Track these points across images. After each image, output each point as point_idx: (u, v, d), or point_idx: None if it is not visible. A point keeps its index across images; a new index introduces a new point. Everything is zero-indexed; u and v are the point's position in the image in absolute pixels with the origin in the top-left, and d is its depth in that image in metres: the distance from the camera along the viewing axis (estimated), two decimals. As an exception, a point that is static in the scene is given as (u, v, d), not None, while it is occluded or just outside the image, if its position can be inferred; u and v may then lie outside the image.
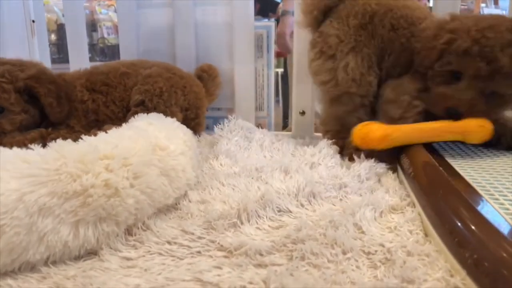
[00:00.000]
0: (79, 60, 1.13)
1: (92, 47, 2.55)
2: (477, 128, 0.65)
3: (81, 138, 0.53)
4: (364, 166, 0.68)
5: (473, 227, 0.40)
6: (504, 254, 0.35)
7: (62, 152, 0.47)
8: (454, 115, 0.66)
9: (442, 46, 0.67)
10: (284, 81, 2.11)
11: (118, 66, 0.92)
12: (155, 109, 0.86)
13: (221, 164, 0.74)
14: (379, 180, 0.66)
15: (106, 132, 0.58)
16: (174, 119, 0.79)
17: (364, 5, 0.79)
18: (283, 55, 1.94)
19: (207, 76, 1.01)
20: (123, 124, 0.66)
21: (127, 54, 1.11)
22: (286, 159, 0.75)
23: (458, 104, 0.65)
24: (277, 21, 1.59)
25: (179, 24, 1.08)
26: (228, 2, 1.05)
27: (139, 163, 0.52)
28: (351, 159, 0.73)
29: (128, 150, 0.52)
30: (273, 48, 1.09)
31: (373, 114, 0.79)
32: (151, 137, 0.59)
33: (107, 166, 0.49)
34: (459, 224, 0.42)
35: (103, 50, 2.51)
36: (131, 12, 1.11)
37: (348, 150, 0.75)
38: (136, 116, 0.78)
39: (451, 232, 0.42)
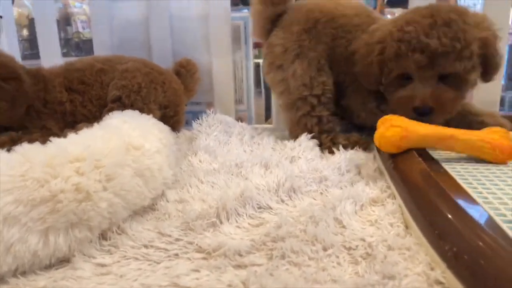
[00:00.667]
0: (51, 56, 1.09)
1: (67, 41, 2.48)
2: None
3: (50, 140, 0.51)
4: (344, 158, 0.67)
5: (452, 220, 0.39)
6: (484, 246, 0.34)
7: (28, 156, 0.45)
8: (424, 113, 0.64)
9: (378, 58, 0.68)
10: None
11: (93, 63, 0.89)
12: (132, 106, 0.83)
13: (200, 161, 0.72)
14: (359, 172, 0.65)
15: (77, 133, 0.56)
16: (151, 116, 0.77)
17: (307, 12, 0.80)
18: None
19: (185, 72, 0.98)
20: (96, 123, 0.64)
21: (101, 48, 1.08)
22: (267, 153, 0.74)
23: (422, 101, 0.64)
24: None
25: (153, 17, 1.05)
26: (204, -7, 1.02)
27: (112, 164, 0.50)
28: (331, 152, 0.73)
29: (100, 151, 0.50)
30: (251, 39, 1.07)
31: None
32: (124, 136, 0.57)
33: (77, 169, 0.46)
34: (438, 216, 0.41)
35: (78, 45, 2.44)
36: (104, 4, 1.07)
37: (325, 145, 0.75)
38: (111, 113, 0.76)
39: (431, 224, 0.42)
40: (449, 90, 0.65)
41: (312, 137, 0.77)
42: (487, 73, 0.67)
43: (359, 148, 0.73)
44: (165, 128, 0.74)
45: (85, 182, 0.46)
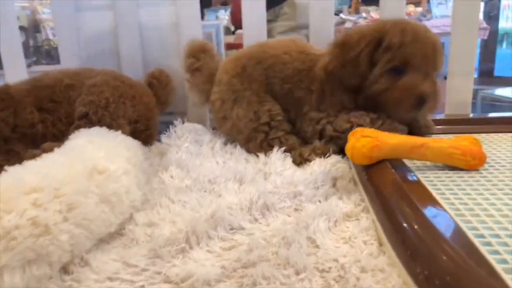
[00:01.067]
0: (15, 65, 1.04)
1: (37, 49, 2.40)
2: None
3: (4, 169, 0.48)
4: (320, 170, 0.66)
5: (424, 239, 0.39)
6: (456, 271, 0.34)
7: (-21, 190, 0.42)
8: (423, 102, 0.67)
9: (369, 49, 0.69)
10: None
11: (61, 78, 0.85)
12: (99, 122, 0.79)
13: (171, 177, 0.70)
14: (334, 184, 0.64)
15: (37, 159, 0.53)
16: (119, 132, 0.74)
17: (234, 60, 0.84)
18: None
19: (157, 83, 0.95)
20: (56, 149, 0.60)
21: (68, 60, 1.04)
22: (240, 167, 0.72)
23: (426, 89, 0.67)
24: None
25: (122, 27, 1.02)
26: (173, 2, 1.00)
27: (74, 193, 0.47)
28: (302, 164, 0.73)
29: (60, 178, 0.48)
30: (223, 46, 1.06)
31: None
32: (87, 160, 0.54)
33: (34, 200, 0.44)
34: (410, 234, 0.41)
35: (49, 52, 2.37)
36: (69, 14, 1.04)
37: (296, 162, 0.74)
38: (77, 131, 0.73)
39: (404, 243, 0.41)
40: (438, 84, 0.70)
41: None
42: None
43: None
44: (135, 145, 0.72)
45: (43, 215, 0.43)
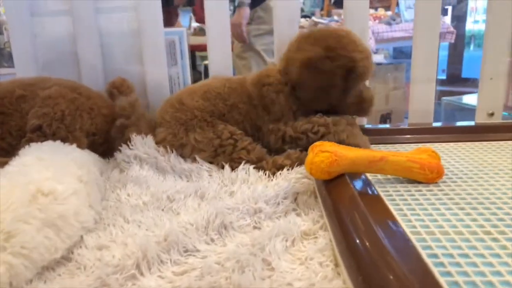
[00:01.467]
0: None
1: (-2, 52, 2.31)
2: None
3: None
4: (284, 185, 0.65)
5: (378, 265, 0.38)
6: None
7: None
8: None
9: (343, 79, 0.76)
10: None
11: (13, 89, 0.81)
12: (54, 135, 0.76)
13: (128, 194, 0.67)
14: (295, 199, 0.63)
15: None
16: (74, 146, 0.71)
17: (166, 103, 0.86)
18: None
19: (119, 94, 0.91)
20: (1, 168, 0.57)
21: (24, 66, 0.99)
22: (204, 182, 0.70)
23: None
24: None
25: (80, 33, 0.98)
26: (134, 8, 0.97)
27: (13, 220, 0.44)
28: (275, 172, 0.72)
29: (-2, 204, 0.45)
30: (188, 53, 1.03)
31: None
32: (32, 182, 0.51)
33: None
34: (363, 259, 0.40)
35: (11, 55, 2.27)
36: (23, 19, 0.99)
37: (270, 171, 0.73)
38: (28, 146, 0.69)
39: (357, 268, 0.40)
40: None
41: (256, 167, 0.74)
42: None
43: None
44: (90, 160, 0.69)
45: (-25, 246, 0.40)
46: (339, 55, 0.74)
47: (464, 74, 3.43)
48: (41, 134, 0.75)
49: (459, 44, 3.39)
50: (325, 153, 0.56)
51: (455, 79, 3.33)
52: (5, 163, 0.61)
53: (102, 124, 0.83)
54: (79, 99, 0.82)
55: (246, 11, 1.65)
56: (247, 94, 0.81)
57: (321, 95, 0.77)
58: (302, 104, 0.78)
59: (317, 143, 0.58)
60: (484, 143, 0.76)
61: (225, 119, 0.80)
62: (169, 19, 1.88)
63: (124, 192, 0.68)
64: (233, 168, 0.74)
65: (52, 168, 0.56)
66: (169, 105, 0.85)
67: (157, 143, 0.80)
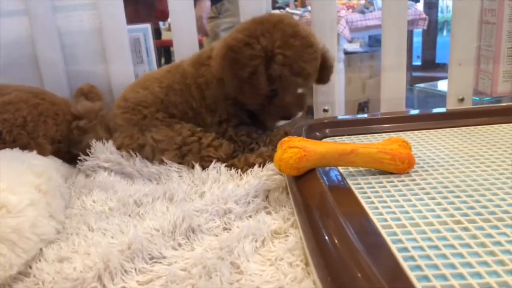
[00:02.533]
0: None
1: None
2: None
3: None
4: (253, 183, 0.63)
5: (344, 265, 0.36)
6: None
7: None
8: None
9: (264, 77, 0.69)
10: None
11: None
12: (14, 142, 0.72)
13: (94, 201, 0.64)
14: (267, 196, 0.61)
15: None
16: (33, 154, 0.67)
17: (115, 106, 0.83)
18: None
19: (86, 100, 0.88)
20: None
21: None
22: (173, 183, 0.68)
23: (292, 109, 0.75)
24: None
25: (38, 33, 0.93)
26: (94, 6, 0.93)
27: (-41, 237, 0.41)
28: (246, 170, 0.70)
29: None
30: (154, 50, 1.00)
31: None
32: (-19, 195, 0.48)
33: None
34: (332, 259, 0.38)
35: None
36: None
37: (242, 169, 0.71)
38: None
39: (326, 267, 0.39)
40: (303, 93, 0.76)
41: (227, 166, 0.72)
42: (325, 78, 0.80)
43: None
44: (50, 167, 0.65)
45: None
46: (258, 42, 0.67)
47: (438, 59, 3.48)
48: (0, 141, 0.72)
49: (432, 30, 3.43)
50: (294, 149, 0.54)
51: (430, 64, 3.37)
52: None
53: (67, 131, 0.80)
54: (43, 105, 0.78)
55: (207, 4, 1.62)
56: (181, 73, 0.78)
57: (244, 88, 0.69)
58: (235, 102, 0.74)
59: (285, 138, 0.56)
60: (455, 129, 0.76)
61: (165, 106, 0.77)
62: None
63: (89, 198, 0.65)
64: (203, 168, 0.72)
65: (6, 178, 0.53)
66: (116, 107, 0.82)
67: (117, 148, 0.77)
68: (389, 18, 0.89)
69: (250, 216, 0.56)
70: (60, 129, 0.79)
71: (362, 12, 2.59)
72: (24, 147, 0.71)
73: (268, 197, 0.61)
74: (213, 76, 0.74)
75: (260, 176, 0.65)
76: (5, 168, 0.57)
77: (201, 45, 2.06)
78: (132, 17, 0.96)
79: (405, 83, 0.92)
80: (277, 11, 2.81)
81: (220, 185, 0.65)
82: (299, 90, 0.76)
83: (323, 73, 0.77)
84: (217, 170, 0.70)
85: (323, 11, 0.90)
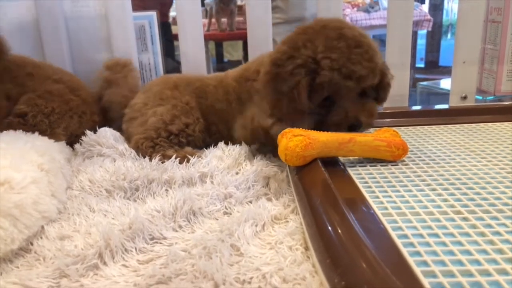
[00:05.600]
0: None
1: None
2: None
3: None
4: (253, 170, 0.63)
5: (345, 247, 0.37)
6: (374, 281, 0.32)
7: None
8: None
9: (304, 85, 0.63)
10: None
11: (24, 64, 0.82)
12: (34, 126, 0.75)
13: (90, 181, 0.64)
14: (267, 184, 0.62)
15: None
16: (37, 134, 0.68)
17: (166, 79, 0.87)
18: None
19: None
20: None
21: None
22: (170, 166, 0.68)
23: (356, 117, 0.64)
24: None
25: (44, 19, 0.93)
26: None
27: (-38, 209, 0.41)
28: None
29: None
30: (158, 38, 1.00)
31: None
32: (-15, 170, 0.48)
33: None
34: (331, 241, 0.38)
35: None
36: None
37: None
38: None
39: (326, 249, 0.39)
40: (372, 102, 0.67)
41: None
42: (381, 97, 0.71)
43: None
44: (53, 148, 0.66)
45: None
46: (300, 53, 0.63)
47: (442, 62, 3.47)
48: (23, 122, 0.75)
49: (436, 32, 3.43)
50: (299, 137, 0.54)
51: (433, 67, 3.37)
52: None
53: (89, 129, 0.81)
54: (75, 101, 0.82)
55: None
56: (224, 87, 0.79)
57: (282, 103, 0.64)
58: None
59: (286, 130, 0.57)
60: (457, 125, 0.76)
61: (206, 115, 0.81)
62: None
63: (86, 177, 0.65)
64: None
65: (9, 156, 0.53)
66: (162, 80, 0.85)
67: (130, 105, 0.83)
68: (394, 17, 0.90)
69: (250, 202, 0.56)
70: (83, 126, 0.82)
71: (367, 11, 2.59)
72: (41, 133, 0.73)
73: (269, 184, 0.61)
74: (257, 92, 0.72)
75: (257, 164, 0.66)
76: (8, 147, 0.58)
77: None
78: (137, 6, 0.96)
79: (408, 81, 0.92)
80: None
81: (221, 170, 0.65)
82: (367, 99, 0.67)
83: (380, 91, 0.69)
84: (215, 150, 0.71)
85: (329, 9, 0.91)
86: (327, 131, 0.59)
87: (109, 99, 0.87)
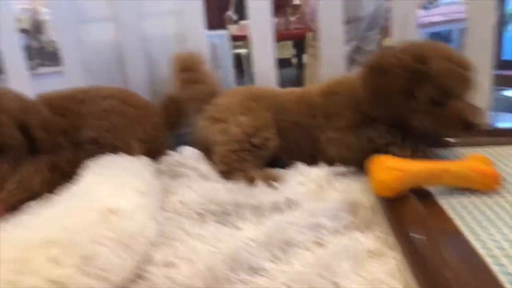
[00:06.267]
0: (16, 69, 0.99)
1: (40, 51, 2.36)
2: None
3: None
4: (338, 196, 0.64)
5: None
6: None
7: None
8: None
9: (407, 83, 0.65)
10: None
11: (75, 94, 0.86)
12: (108, 146, 0.79)
13: (181, 203, 0.66)
14: (352, 210, 0.62)
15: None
16: (125, 155, 0.73)
17: (245, 90, 0.89)
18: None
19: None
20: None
21: (72, 72, 1.01)
22: (254, 191, 0.70)
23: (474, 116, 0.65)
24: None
25: (125, 39, 0.99)
26: (177, 13, 0.97)
27: (88, 242, 0.46)
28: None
29: (75, 228, 0.46)
30: (231, 56, 1.03)
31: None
32: (97, 200, 0.52)
33: (53, 257, 0.42)
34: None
35: (53, 54, 2.32)
36: (70, 25, 1.00)
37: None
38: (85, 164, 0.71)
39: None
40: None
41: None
42: None
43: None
44: (145, 167, 0.70)
45: (59, 272, 0.42)
46: (408, 54, 0.66)
47: (505, 56, 3.25)
48: (97, 146, 0.79)
49: (498, 24, 3.21)
50: (394, 171, 0.55)
51: (495, 61, 3.15)
52: None
53: (152, 132, 0.86)
54: (129, 110, 0.85)
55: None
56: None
57: (382, 100, 0.67)
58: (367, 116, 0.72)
59: (377, 159, 0.57)
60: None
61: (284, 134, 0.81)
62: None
63: (177, 199, 0.68)
64: None
65: (111, 183, 0.58)
66: (236, 91, 0.88)
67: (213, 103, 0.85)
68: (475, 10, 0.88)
69: (341, 234, 0.57)
70: (145, 130, 0.85)
71: (426, 8, 2.49)
72: (116, 149, 0.78)
73: (355, 214, 0.62)
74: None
75: (341, 190, 0.66)
76: (109, 172, 0.62)
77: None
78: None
79: (490, 89, 0.88)
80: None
81: (304, 192, 0.67)
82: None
83: None
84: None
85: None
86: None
87: (192, 96, 0.88)
